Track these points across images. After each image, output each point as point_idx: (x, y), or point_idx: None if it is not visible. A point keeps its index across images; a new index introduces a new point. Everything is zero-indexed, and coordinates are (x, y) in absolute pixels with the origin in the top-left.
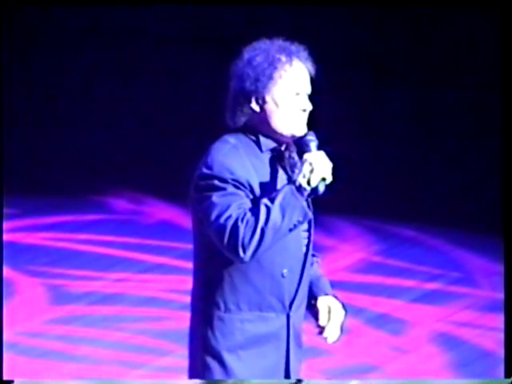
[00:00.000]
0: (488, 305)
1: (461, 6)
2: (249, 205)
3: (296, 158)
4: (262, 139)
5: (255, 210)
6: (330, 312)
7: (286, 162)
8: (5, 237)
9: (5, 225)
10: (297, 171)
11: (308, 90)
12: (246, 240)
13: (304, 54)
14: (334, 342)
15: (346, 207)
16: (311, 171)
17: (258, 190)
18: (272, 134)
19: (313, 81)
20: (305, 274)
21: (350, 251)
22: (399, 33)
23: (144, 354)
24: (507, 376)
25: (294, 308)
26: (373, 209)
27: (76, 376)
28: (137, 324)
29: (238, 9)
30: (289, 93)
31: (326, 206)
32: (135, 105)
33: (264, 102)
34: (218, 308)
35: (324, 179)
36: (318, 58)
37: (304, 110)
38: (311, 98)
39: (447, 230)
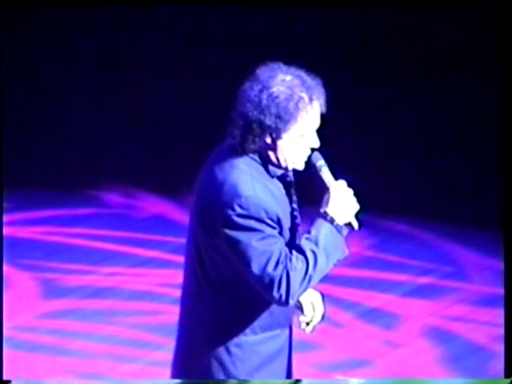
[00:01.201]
0: (480, 299)
1: (461, 6)
2: (283, 243)
3: (293, 178)
4: (271, 166)
5: (302, 257)
6: (312, 305)
7: (291, 187)
8: None
9: None
10: (327, 204)
11: (317, 125)
12: (296, 288)
13: (321, 90)
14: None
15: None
16: (341, 205)
17: (282, 218)
18: (277, 164)
19: (322, 116)
20: None
21: None
22: (398, 32)
23: (137, 348)
24: (507, 376)
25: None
26: (365, 203)
27: (68, 370)
28: (129, 318)
29: (234, 9)
30: (305, 132)
31: (317, 201)
32: (128, 99)
33: (279, 138)
34: (236, 335)
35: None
36: (315, 56)
37: (312, 148)
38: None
39: (440, 224)
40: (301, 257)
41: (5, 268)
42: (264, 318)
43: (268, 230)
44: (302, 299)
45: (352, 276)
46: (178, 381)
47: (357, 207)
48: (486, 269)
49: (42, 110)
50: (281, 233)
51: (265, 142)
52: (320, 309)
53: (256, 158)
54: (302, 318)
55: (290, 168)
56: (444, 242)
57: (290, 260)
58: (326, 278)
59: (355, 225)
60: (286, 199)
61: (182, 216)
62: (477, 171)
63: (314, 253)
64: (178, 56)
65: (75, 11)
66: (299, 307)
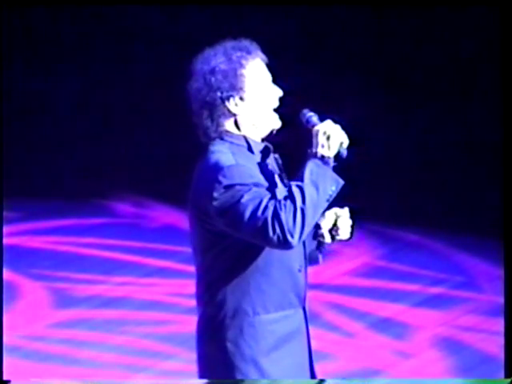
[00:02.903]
0: (491, 309)
1: (461, 5)
2: (270, 194)
3: (280, 160)
4: (252, 142)
5: (289, 195)
6: (336, 214)
7: (274, 162)
8: (8, 240)
9: (9, 228)
10: (315, 143)
11: (271, 77)
12: (290, 224)
13: (254, 44)
14: (348, 239)
15: (349, 211)
16: (328, 138)
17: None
18: (255, 133)
19: (269, 68)
20: (307, 265)
21: (354, 255)
22: (397, 32)
23: (147, 357)
24: (507, 376)
25: (306, 301)
26: (376, 213)
27: (79, 380)
28: (140, 328)
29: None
30: (262, 85)
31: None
32: (139, 108)
33: (242, 99)
34: (247, 314)
35: (342, 143)
36: (316, 59)
37: (279, 98)
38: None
39: (450, 234)
40: (288, 195)
41: (16, 277)
42: (274, 295)
43: (254, 188)
44: (326, 215)
45: (363, 286)
46: (188, 381)
47: (344, 138)
48: (497, 279)
49: (54, 119)
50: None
51: (233, 114)
52: (346, 222)
53: (234, 140)
54: (323, 229)
55: (267, 130)
56: (455, 252)
57: (279, 202)
58: (337, 288)
59: (344, 152)
60: (275, 177)
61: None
62: (488, 182)
63: (299, 187)
64: (181, 60)
65: (75, 11)
66: (321, 235)
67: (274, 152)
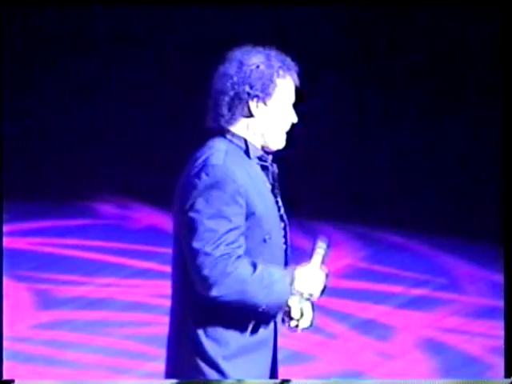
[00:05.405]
0: (474, 311)
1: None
2: (239, 232)
3: (276, 169)
4: (251, 146)
5: (251, 266)
6: (301, 310)
7: (270, 172)
8: None
9: None
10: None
11: (293, 100)
12: (227, 284)
13: (292, 63)
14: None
15: (332, 213)
16: (305, 281)
17: (254, 199)
18: (258, 142)
19: (296, 91)
20: None
21: (337, 257)
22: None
23: (131, 359)
24: (507, 376)
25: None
26: (359, 215)
27: (62, 381)
28: (123, 329)
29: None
30: (285, 103)
31: (312, 212)
32: (123, 111)
33: (264, 104)
34: (213, 318)
35: (311, 295)
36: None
37: (292, 123)
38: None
39: (434, 236)
40: (250, 266)
41: None
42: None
43: (231, 208)
44: (290, 303)
45: (346, 287)
46: (173, 381)
47: (316, 294)
48: (481, 280)
49: (37, 121)
50: (253, 214)
51: (251, 114)
52: (309, 314)
53: (235, 140)
54: (291, 323)
55: (271, 146)
56: (438, 254)
57: (239, 257)
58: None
59: (311, 298)
60: (266, 186)
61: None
62: (469, 183)
63: (262, 276)
64: (172, 63)
65: (75, 12)
66: (287, 312)
67: (272, 161)
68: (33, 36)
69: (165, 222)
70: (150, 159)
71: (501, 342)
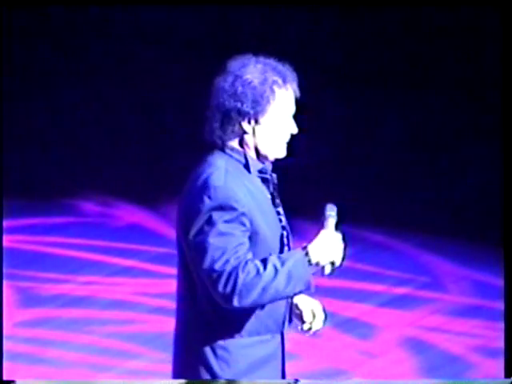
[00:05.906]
0: (456, 309)
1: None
2: (245, 245)
3: (276, 180)
4: (250, 160)
5: (261, 266)
6: (313, 312)
7: (271, 184)
8: None
9: None
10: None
11: (294, 110)
12: (244, 292)
13: (292, 74)
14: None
15: (314, 211)
16: (323, 250)
17: (256, 215)
18: (258, 155)
19: (297, 102)
20: None
21: None
22: (397, 32)
23: (112, 357)
24: (507, 376)
25: (286, 325)
26: (341, 213)
27: (44, 379)
28: (105, 327)
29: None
30: (283, 116)
31: (294, 210)
32: (107, 108)
33: (257, 123)
34: (221, 337)
35: (333, 263)
36: (305, 60)
37: (291, 134)
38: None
39: (416, 234)
40: (260, 266)
41: None
42: (251, 321)
43: (236, 228)
44: (302, 307)
45: (328, 286)
46: (173, 381)
47: (338, 258)
48: (462, 279)
49: (17, 118)
50: (257, 234)
51: (244, 131)
52: (320, 316)
53: (234, 154)
54: (304, 326)
55: (271, 157)
56: (420, 253)
57: (246, 263)
58: None
59: (326, 270)
60: (267, 200)
61: (159, 225)
62: (450, 182)
63: (275, 269)
64: (158, 64)
65: (75, 12)
66: (299, 315)
67: (272, 171)
68: (33, 36)
69: (147, 220)
70: (132, 157)
71: (483, 341)
